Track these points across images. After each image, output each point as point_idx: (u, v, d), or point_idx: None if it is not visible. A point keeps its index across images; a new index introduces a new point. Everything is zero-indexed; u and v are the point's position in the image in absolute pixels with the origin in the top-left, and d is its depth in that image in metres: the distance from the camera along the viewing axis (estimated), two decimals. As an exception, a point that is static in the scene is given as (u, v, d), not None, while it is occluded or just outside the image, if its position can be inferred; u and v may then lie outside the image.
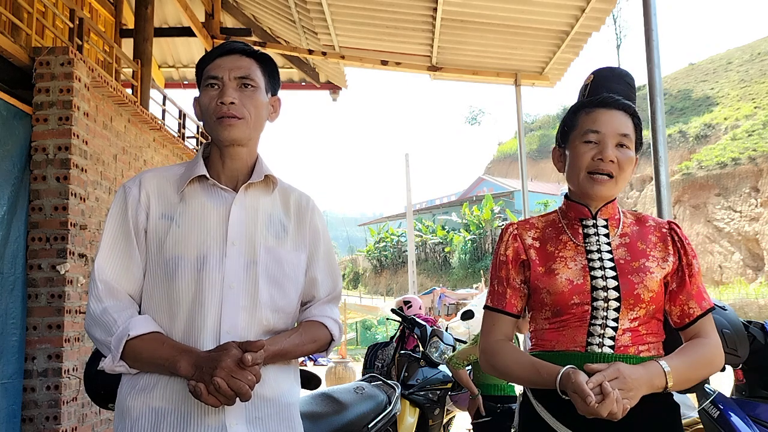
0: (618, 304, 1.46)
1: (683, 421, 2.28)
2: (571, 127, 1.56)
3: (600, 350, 1.45)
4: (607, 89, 1.56)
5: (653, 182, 3.46)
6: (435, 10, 5.86)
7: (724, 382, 2.18)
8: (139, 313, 1.47)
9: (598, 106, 1.53)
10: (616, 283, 1.47)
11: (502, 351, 1.53)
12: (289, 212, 1.60)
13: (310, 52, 7.65)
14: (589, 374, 1.35)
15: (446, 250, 37.47)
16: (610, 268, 1.49)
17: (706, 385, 1.92)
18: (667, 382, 1.39)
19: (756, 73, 38.00)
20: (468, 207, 36.64)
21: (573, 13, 5.63)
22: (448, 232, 37.86)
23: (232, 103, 1.48)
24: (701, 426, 2.02)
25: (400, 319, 4.57)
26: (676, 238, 1.56)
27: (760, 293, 22.67)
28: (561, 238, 1.56)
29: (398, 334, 4.62)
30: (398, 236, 40.57)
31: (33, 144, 4.56)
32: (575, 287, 1.48)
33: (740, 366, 1.94)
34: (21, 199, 4.47)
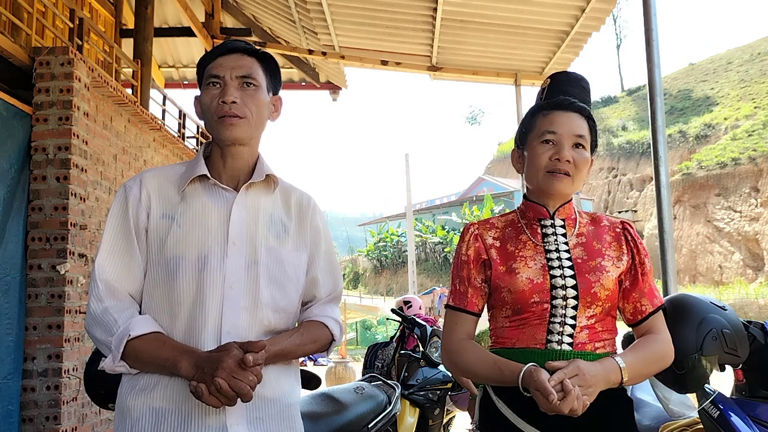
0: (576, 302, 1.51)
1: (683, 421, 2.29)
2: (529, 129, 1.61)
3: (559, 347, 1.50)
4: (563, 92, 1.61)
5: (653, 182, 3.45)
6: (435, 10, 5.87)
7: (724, 382, 2.18)
8: (140, 312, 1.47)
9: (554, 109, 1.58)
10: (574, 282, 1.52)
11: (464, 350, 1.57)
12: (290, 212, 1.60)
13: (310, 52, 7.66)
14: (550, 371, 1.39)
15: (446, 250, 37.47)
16: (568, 267, 1.54)
17: (706, 385, 1.92)
18: (622, 378, 1.45)
19: (756, 73, 38.00)
20: (468, 207, 36.63)
21: (573, 13, 5.64)
22: (448, 232, 37.85)
23: (234, 102, 1.47)
24: (701, 426, 2.02)
25: (400, 319, 4.57)
26: (629, 238, 1.61)
27: (760, 293, 22.67)
28: (521, 238, 1.61)
29: (398, 334, 4.61)
30: (398, 236, 40.57)
31: (33, 144, 4.56)
32: (535, 286, 1.52)
33: (740, 366, 1.94)
34: (19, 199, 4.47)
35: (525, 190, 1.70)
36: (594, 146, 1.61)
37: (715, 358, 1.83)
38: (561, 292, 1.51)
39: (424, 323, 4.42)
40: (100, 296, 1.43)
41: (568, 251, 1.57)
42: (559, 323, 1.51)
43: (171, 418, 1.39)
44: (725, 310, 1.92)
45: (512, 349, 1.53)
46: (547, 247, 1.58)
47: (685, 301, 1.92)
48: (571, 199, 1.63)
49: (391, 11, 6.17)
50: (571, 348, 1.50)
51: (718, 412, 1.89)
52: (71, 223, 4.55)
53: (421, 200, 49.05)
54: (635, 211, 35.77)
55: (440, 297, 22.78)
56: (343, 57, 7.35)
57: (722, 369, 1.90)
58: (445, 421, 4.49)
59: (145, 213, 1.49)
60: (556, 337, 1.50)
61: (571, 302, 1.51)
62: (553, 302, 1.51)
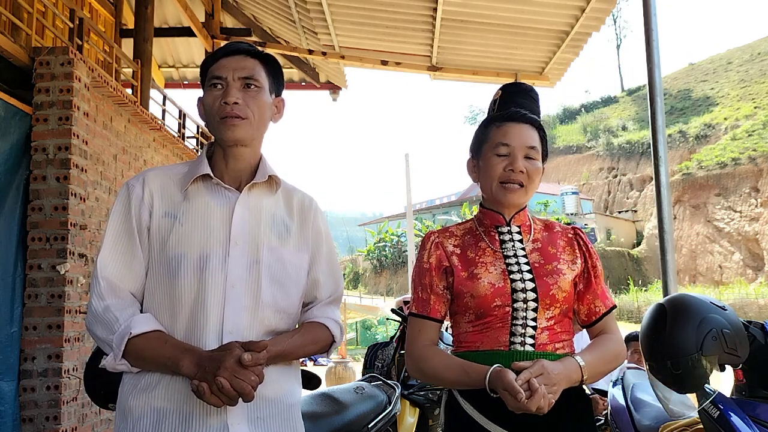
0: (536, 305, 1.57)
1: (683, 421, 2.29)
2: (483, 140, 1.67)
3: (522, 348, 1.55)
4: (515, 103, 1.68)
5: (653, 182, 3.46)
6: (435, 10, 5.87)
7: (724, 382, 2.18)
8: (141, 311, 1.47)
9: (507, 120, 1.64)
10: (534, 285, 1.58)
11: (429, 355, 1.60)
12: (292, 213, 1.60)
13: (310, 52, 7.66)
14: (516, 372, 1.44)
15: (446, 250, 37.44)
16: (527, 271, 1.60)
17: (706, 385, 1.92)
18: (582, 376, 1.52)
19: (756, 73, 38.00)
20: (468, 207, 36.63)
21: (573, 13, 5.64)
22: (448, 232, 37.80)
23: (236, 103, 1.48)
24: (701, 426, 2.02)
25: (400, 319, 4.57)
26: (581, 243, 1.69)
27: (760, 293, 22.68)
28: (480, 245, 1.66)
29: (398, 334, 4.61)
30: (398, 236, 40.57)
31: (33, 144, 4.56)
32: (497, 290, 1.57)
33: (740, 366, 1.94)
34: (18, 199, 4.47)
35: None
36: (545, 156, 1.68)
37: (715, 358, 1.84)
38: (521, 295, 1.57)
39: (424, 323, 4.41)
40: (101, 294, 1.43)
41: (525, 256, 1.63)
42: (521, 325, 1.56)
43: (172, 417, 1.39)
44: (725, 310, 1.92)
45: (476, 352, 1.58)
46: (505, 253, 1.63)
47: (685, 301, 1.92)
48: (525, 207, 1.70)
49: (391, 11, 6.17)
50: (533, 349, 1.55)
51: (718, 412, 1.89)
52: (71, 223, 4.55)
53: (421, 200, 49.06)
54: (635, 211, 35.78)
55: (440, 297, 22.72)
56: (343, 57, 7.35)
57: (722, 369, 1.90)
58: (445, 421, 4.49)
59: (147, 212, 1.49)
60: (519, 339, 1.55)
61: (531, 305, 1.56)
62: (515, 305, 1.56)
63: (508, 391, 1.40)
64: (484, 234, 1.68)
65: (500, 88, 1.75)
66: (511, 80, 7.06)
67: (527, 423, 1.47)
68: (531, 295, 1.57)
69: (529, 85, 1.76)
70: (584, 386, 1.60)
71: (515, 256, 1.63)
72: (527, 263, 1.61)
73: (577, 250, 1.67)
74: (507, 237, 1.66)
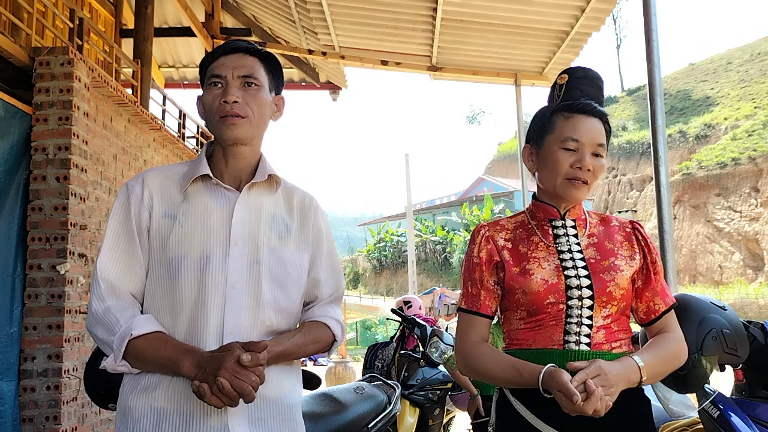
0: (591, 302, 1.50)
1: (683, 421, 2.29)
2: (547, 130, 1.58)
3: (577, 347, 1.48)
4: (582, 91, 1.59)
5: (653, 182, 3.46)
6: (435, 10, 5.87)
7: (724, 382, 2.18)
8: (141, 312, 1.47)
9: (577, 112, 1.55)
10: (589, 282, 1.51)
11: (480, 352, 1.55)
12: (293, 212, 1.60)
13: (310, 52, 7.66)
14: (571, 372, 1.37)
15: (446, 250, 37.47)
16: (582, 267, 1.53)
17: (706, 385, 1.92)
18: (641, 377, 1.44)
19: (756, 73, 38.00)
20: (468, 207, 36.62)
21: (573, 13, 5.64)
22: (448, 232, 37.84)
23: (236, 101, 1.47)
24: (701, 426, 2.02)
25: (400, 319, 4.57)
26: (639, 237, 1.61)
27: (760, 293, 22.68)
28: (532, 239, 1.59)
29: (398, 334, 4.61)
30: (398, 236, 40.56)
31: (33, 144, 4.56)
32: (550, 287, 1.51)
33: (740, 366, 1.94)
34: (18, 199, 4.47)
35: (534, 189, 1.68)
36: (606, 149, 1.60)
37: (715, 358, 1.84)
38: (576, 293, 1.50)
39: (424, 323, 4.42)
40: (101, 296, 1.43)
41: (580, 251, 1.56)
42: (575, 323, 1.49)
43: (173, 418, 1.39)
44: (725, 310, 1.92)
45: (529, 350, 1.52)
46: (559, 248, 1.56)
47: (685, 301, 1.92)
48: (582, 200, 1.62)
49: (391, 11, 6.18)
50: (588, 348, 1.48)
51: (718, 412, 1.89)
52: (71, 223, 4.55)
53: (421, 200, 49.07)
54: (635, 211, 35.76)
55: (440, 297, 22.78)
56: (343, 57, 7.35)
57: (722, 369, 1.90)
58: (445, 421, 4.49)
59: (147, 212, 1.48)
60: (574, 338, 1.49)
61: (587, 302, 1.50)
62: (569, 303, 1.50)
63: (563, 392, 1.34)
64: (536, 227, 1.61)
65: (565, 72, 1.64)
66: (511, 80, 7.06)
67: (582, 425, 1.41)
68: (586, 293, 1.50)
69: (597, 72, 1.64)
70: (643, 387, 1.52)
71: (570, 251, 1.55)
72: (582, 259, 1.54)
73: (635, 245, 1.59)
74: (561, 231, 1.59)
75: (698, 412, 1.97)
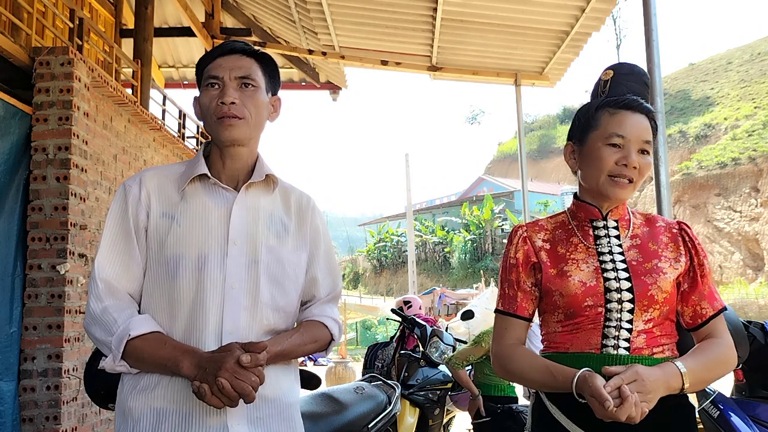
0: (632, 306, 1.45)
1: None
2: (592, 126, 1.53)
3: (616, 352, 1.44)
4: (627, 88, 1.54)
5: (653, 182, 3.46)
6: (435, 10, 5.86)
7: (724, 382, 2.18)
8: (139, 312, 1.47)
9: (623, 108, 1.50)
10: (630, 285, 1.46)
11: (515, 355, 1.52)
12: (290, 212, 1.60)
13: (310, 52, 7.65)
14: (606, 377, 1.34)
15: (446, 250, 37.46)
16: (623, 270, 1.48)
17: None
18: (683, 384, 1.39)
19: (756, 73, 37.99)
20: (468, 207, 36.62)
21: (573, 13, 5.64)
22: (448, 232, 37.84)
23: (233, 103, 1.47)
24: (701, 426, 2.02)
25: (400, 319, 4.57)
26: (686, 239, 1.55)
27: (760, 293, 22.67)
28: (572, 240, 1.55)
29: (398, 334, 4.62)
30: (398, 236, 40.55)
31: (33, 144, 4.56)
32: (588, 289, 1.47)
33: (740, 366, 1.94)
34: (18, 199, 4.46)
35: (577, 189, 1.62)
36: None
37: (715, 358, 1.83)
38: (615, 296, 1.46)
39: (424, 323, 4.42)
40: (99, 296, 1.43)
41: (621, 253, 1.51)
42: (614, 327, 1.45)
43: (172, 418, 1.39)
44: (725, 310, 1.92)
45: (566, 354, 1.49)
46: (599, 250, 1.52)
47: (685, 301, 1.92)
48: (626, 200, 1.56)
49: (391, 11, 6.17)
50: (627, 353, 1.44)
51: (718, 412, 1.89)
52: (71, 223, 4.55)
53: (421, 200, 49.07)
54: (635, 211, 35.69)
55: (440, 297, 22.79)
56: (343, 57, 7.35)
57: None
58: (445, 421, 4.49)
59: (144, 212, 1.48)
60: (612, 342, 1.45)
61: (627, 306, 1.45)
62: (608, 306, 1.46)
63: (596, 397, 1.30)
64: (577, 228, 1.56)
65: (610, 68, 1.59)
66: (511, 80, 7.05)
67: (619, 431, 1.36)
68: (626, 296, 1.45)
69: (641, 68, 1.59)
70: (687, 394, 1.47)
71: (611, 252, 1.51)
72: (623, 261, 1.49)
73: (681, 247, 1.53)
74: (602, 232, 1.54)
75: (698, 412, 1.97)
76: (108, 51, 6.48)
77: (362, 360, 4.87)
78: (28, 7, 4.88)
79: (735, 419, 1.85)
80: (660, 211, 3.37)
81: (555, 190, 37.16)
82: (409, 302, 5.69)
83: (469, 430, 4.26)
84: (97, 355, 2.09)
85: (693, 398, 2.27)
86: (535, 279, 1.56)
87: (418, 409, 4.10)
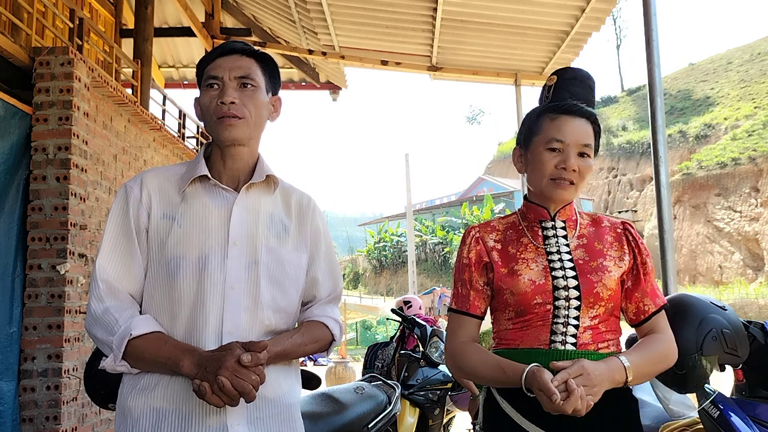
0: (578, 303, 1.51)
1: (683, 421, 2.28)
2: (534, 131, 1.59)
3: (563, 347, 1.50)
4: (570, 92, 1.59)
5: (653, 182, 3.46)
6: (435, 10, 5.87)
7: (724, 382, 2.18)
8: (140, 313, 1.47)
9: (562, 113, 1.56)
10: (576, 283, 1.52)
11: (468, 352, 1.57)
12: (291, 212, 1.60)
13: (310, 52, 7.66)
14: (554, 372, 1.39)
15: (446, 250, 37.45)
16: (570, 268, 1.54)
17: (706, 385, 1.92)
18: (627, 377, 1.45)
19: (756, 73, 38.00)
20: (468, 207, 36.62)
21: (573, 13, 5.64)
22: (448, 232, 37.83)
23: (233, 102, 1.48)
24: (701, 426, 2.02)
25: (400, 319, 4.57)
26: (630, 238, 1.62)
27: (760, 293, 22.67)
28: (522, 240, 1.61)
29: (398, 334, 4.61)
30: (398, 236, 40.55)
31: (33, 144, 4.56)
32: (538, 287, 1.52)
33: (740, 366, 1.94)
34: (18, 199, 4.46)
35: (526, 191, 1.69)
36: (596, 150, 1.61)
37: (715, 358, 1.84)
38: (563, 293, 1.51)
39: (424, 323, 4.42)
40: (100, 296, 1.43)
41: (569, 252, 1.57)
42: (562, 324, 1.51)
43: (171, 417, 1.39)
44: (725, 310, 1.92)
45: (516, 350, 1.54)
46: (548, 249, 1.58)
47: (685, 301, 1.92)
48: (572, 201, 1.63)
49: (391, 11, 6.18)
50: (575, 348, 1.49)
51: (718, 412, 1.89)
52: (71, 223, 4.55)
53: (421, 200, 49.05)
54: (635, 211, 35.77)
55: (440, 297, 22.78)
56: (343, 57, 7.36)
57: (722, 369, 1.90)
58: (445, 421, 4.49)
59: (145, 213, 1.49)
60: (560, 338, 1.50)
61: (574, 303, 1.51)
62: (556, 303, 1.51)
63: (543, 391, 1.36)
64: (527, 229, 1.62)
65: (555, 73, 1.65)
66: (511, 80, 7.05)
67: (567, 424, 1.42)
68: (574, 293, 1.51)
69: (587, 72, 1.64)
70: (630, 387, 1.53)
71: (558, 252, 1.57)
72: (571, 260, 1.55)
73: (625, 246, 1.60)
74: (551, 232, 1.60)
75: (698, 412, 1.96)
76: (108, 51, 6.48)
77: (362, 360, 4.87)
78: (28, 7, 4.88)
79: (735, 419, 1.85)
80: (660, 211, 3.37)
81: (555, 190, 37.00)
82: (409, 302, 5.68)
83: (469, 430, 4.26)
84: (97, 355, 2.09)
85: (693, 398, 2.27)
86: (487, 278, 1.61)
87: (418, 409, 4.09)
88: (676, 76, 45.77)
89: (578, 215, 1.64)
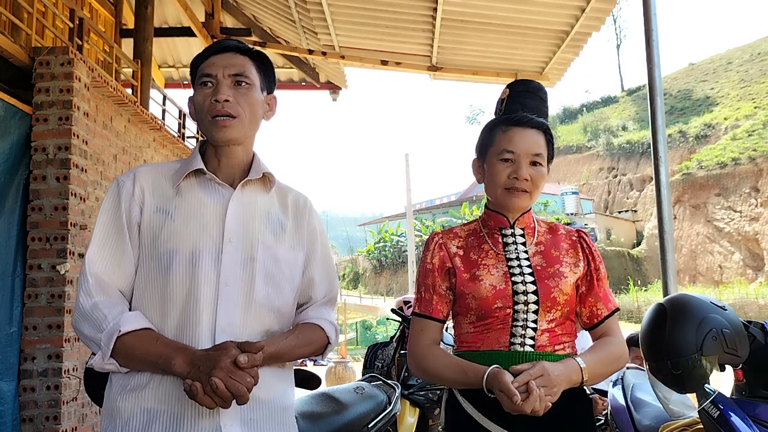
0: (536, 307, 1.58)
1: (683, 421, 2.29)
2: (488, 144, 1.67)
3: (522, 349, 1.56)
4: (522, 104, 1.66)
5: (653, 182, 3.46)
6: (435, 10, 5.87)
7: (724, 382, 2.18)
8: (130, 309, 1.43)
9: (513, 125, 1.63)
10: (535, 288, 1.59)
11: (431, 355, 1.62)
12: (287, 211, 1.58)
13: (310, 52, 7.65)
14: (514, 374, 1.45)
15: (446, 250, 37.41)
16: (529, 274, 1.61)
17: (706, 385, 1.91)
18: (583, 377, 1.53)
19: (756, 73, 38.00)
20: (468, 207, 36.61)
21: (573, 13, 5.64)
22: (448, 232, 37.77)
23: (227, 100, 1.45)
24: (701, 426, 2.02)
25: (400, 319, 4.57)
26: (584, 246, 1.70)
27: (760, 293, 22.68)
28: (483, 247, 1.67)
29: (398, 334, 4.61)
30: (398, 236, 40.54)
31: (33, 144, 4.56)
32: (498, 292, 1.58)
33: (740, 366, 1.94)
34: (18, 199, 4.46)
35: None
36: (551, 157, 1.68)
37: (715, 358, 1.84)
38: (522, 298, 1.58)
39: (424, 323, 4.41)
40: (89, 291, 1.40)
41: (528, 259, 1.64)
42: (521, 326, 1.57)
43: (162, 418, 1.35)
44: (725, 310, 1.92)
45: (477, 352, 1.60)
46: (508, 256, 1.64)
47: (685, 301, 1.92)
48: (530, 209, 1.70)
49: (391, 11, 6.17)
50: (533, 350, 1.56)
51: (718, 412, 1.89)
52: (71, 223, 4.55)
53: (421, 200, 49.07)
54: (635, 211, 35.77)
55: (440, 297, 22.68)
56: (343, 57, 7.35)
57: (722, 369, 1.89)
58: (445, 421, 4.48)
59: (138, 208, 1.46)
60: (519, 340, 1.57)
61: (532, 307, 1.58)
62: (515, 307, 1.58)
63: (504, 392, 1.42)
64: (487, 236, 1.69)
65: (507, 86, 1.73)
66: (510, 80, 7.06)
67: (526, 423, 1.48)
68: (532, 298, 1.58)
69: (538, 83, 1.73)
70: (585, 387, 1.61)
71: (518, 258, 1.64)
72: (529, 266, 1.62)
73: (580, 253, 1.68)
74: (510, 239, 1.67)
75: (698, 412, 1.96)
76: (108, 51, 6.48)
77: (362, 360, 4.87)
78: (28, 7, 4.88)
79: (735, 419, 1.85)
80: (660, 211, 3.37)
81: (555, 189, 37.14)
82: (409, 302, 5.67)
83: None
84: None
85: (693, 398, 2.27)
86: (449, 283, 1.67)
87: (418, 409, 4.09)
88: (676, 76, 45.77)
89: (536, 223, 1.72)
